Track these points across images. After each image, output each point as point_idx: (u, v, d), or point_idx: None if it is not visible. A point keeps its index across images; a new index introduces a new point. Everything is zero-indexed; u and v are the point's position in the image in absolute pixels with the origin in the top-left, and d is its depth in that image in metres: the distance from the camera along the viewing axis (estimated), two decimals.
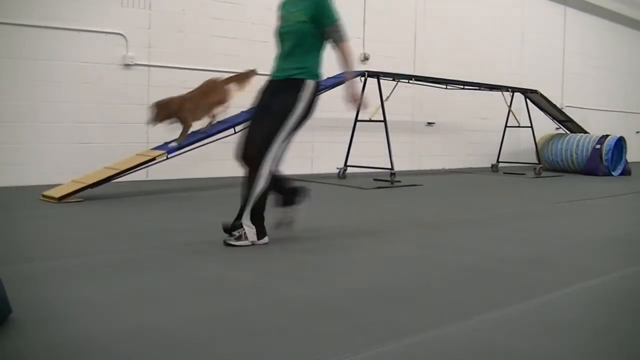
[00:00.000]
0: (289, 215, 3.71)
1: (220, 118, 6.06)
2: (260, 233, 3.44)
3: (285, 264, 3.12)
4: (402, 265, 3.18)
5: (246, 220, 3.39)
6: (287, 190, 3.70)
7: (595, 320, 2.33)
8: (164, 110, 5.44)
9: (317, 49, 3.53)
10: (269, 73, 3.67)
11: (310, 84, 3.49)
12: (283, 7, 3.66)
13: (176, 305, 2.37)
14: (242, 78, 5.90)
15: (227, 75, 6.00)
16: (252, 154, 3.41)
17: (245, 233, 3.38)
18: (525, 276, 2.96)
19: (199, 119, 5.74)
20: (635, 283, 2.96)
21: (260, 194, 3.41)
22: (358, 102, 3.69)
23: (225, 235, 3.41)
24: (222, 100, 5.77)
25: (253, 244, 3.40)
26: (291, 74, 3.48)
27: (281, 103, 3.43)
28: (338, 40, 3.52)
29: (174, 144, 5.58)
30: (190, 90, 5.72)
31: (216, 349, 1.91)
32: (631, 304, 2.60)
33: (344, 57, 3.56)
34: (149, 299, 2.44)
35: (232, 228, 3.41)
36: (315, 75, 3.54)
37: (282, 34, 3.58)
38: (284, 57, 3.56)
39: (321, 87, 3.62)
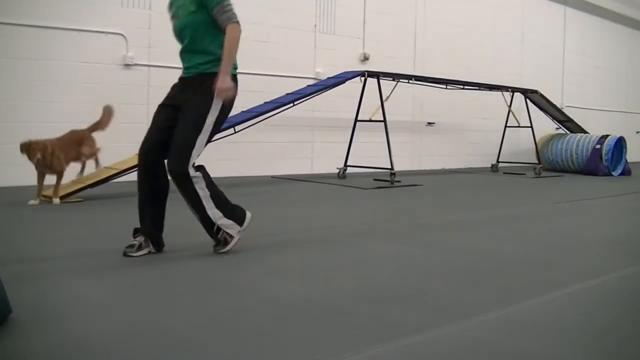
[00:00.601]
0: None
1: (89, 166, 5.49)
2: (239, 218, 3.24)
3: (284, 264, 3.12)
4: (402, 265, 3.18)
5: (220, 221, 3.17)
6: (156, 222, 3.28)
7: (595, 320, 2.33)
8: (35, 153, 4.87)
9: (222, 38, 3.14)
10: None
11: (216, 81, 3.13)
12: (171, 6, 3.42)
13: (176, 305, 2.37)
14: (103, 122, 5.44)
15: (88, 126, 5.41)
16: (175, 168, 3.08)
17: (226, 234, 3.20)
18: (525, 276, 2.96)
19: (65, 169, 5.13)
20: (635, 283, 2.96)
21: (209, 197, 3.16)
22: (224, 98, 3.12)
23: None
24: (92, 153, 5.32)
25: (240, 232, 3.24)
26: (200, 70, 3.19)
27: (195, 105, 3.13)
28: (225, 21, 3.13)
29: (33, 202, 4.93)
30: (57, 138, 5.17)
31: (216, 349, 1.91)
32: (631, 304, 2.60)
33: (227, 41, 3.10)
34: (149, 299, 2.44)
35: (214, 240, 3.23)
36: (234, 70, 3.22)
37: (178, 31, 3.32)
38: (188, 53, 3.29)
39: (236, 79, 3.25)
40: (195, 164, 3.12)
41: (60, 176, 5.03)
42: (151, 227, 3.23)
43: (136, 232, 3.23)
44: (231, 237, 3.22)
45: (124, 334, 2.02)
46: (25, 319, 2.09)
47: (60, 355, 1.84)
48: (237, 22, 3.16)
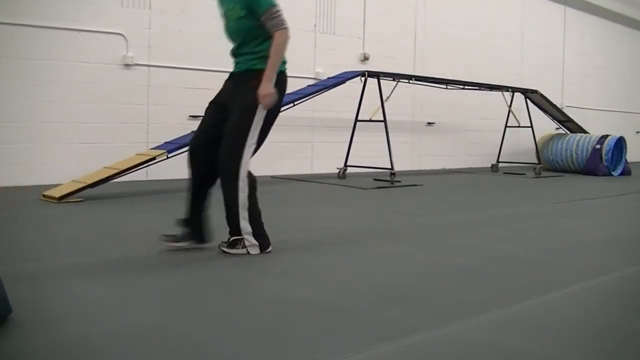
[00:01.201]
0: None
1: None
2: (263, 245, 3.24)
3: (284, 264, 3.12)
4: (402, 265, 3.18)
5: (247, 236, 3.19)
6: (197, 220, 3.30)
7: (595, 320, 2.33)
8: None
9: (270, 41, 3.20)
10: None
11: (280, 75, 3.27)
12: (221, 4, 3.37)
13: (176, 305, 2.37)
14: None
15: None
16: (224, 166, 3.14)
17: (243, 246, 3.21)
18: (525, 276, 2.96)
19: None
20: (635, 283, 2.96)
21: (246, 208, 3.18)
22: (267, 105, 3.17)
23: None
24: None
25: (252, 254, 3.21)
26: (249, 65, 3.24)
27: (243, 102, 3.17)
28: (272, 27, 3.16)
29: None
30: None
31: (216, 349, 1.91)
32: (631, 304, 2.60)
33: (274, 47, 3.16)
34: (149, 299, 2.44)
35: (228, 240, 3.24)
36: (282, 66, 3.29)
37: (230, 33, 3.35)
38: (238, 53, 3.32)
39: (285, 79, 3.34)
40: (246, 167, 3.16)
41: None
42: (195, 222, 3.30)
43: (185, 223, 3.29)
44: (243, 248, 3.21)
45: (123, 334, 2.02)
46: (25, 319, 2.09)
47: (60, 355, 1.84)
48: (286, 28, 3.21)
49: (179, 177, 6.87)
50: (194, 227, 3.29)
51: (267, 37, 3.19)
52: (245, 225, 3.17)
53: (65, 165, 6.10)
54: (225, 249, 3.22)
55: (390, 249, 3.57)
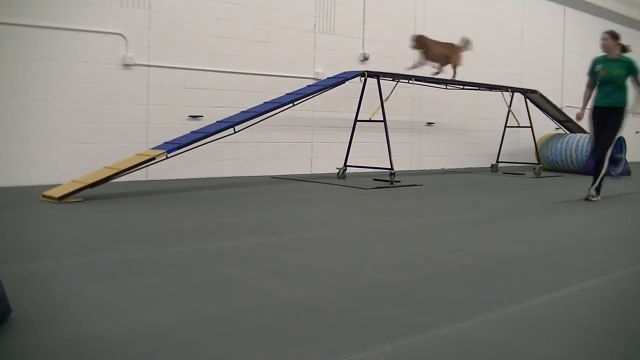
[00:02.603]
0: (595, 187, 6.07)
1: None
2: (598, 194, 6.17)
3: (284, 264, 3.12)
4: (402, 265, 3.18)
5: (593, 191, 6.14)
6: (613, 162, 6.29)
7: (595, 320, 2.33)
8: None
9: (626, 87, 6.04)
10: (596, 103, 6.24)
11: (626, 109, 6.05)
12: (599, 63, 6.24)
13: (176, 305, 2.37)
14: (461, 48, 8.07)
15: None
16: (601, 153, 6.14)
17: (596, 196, 6.12)
18: (525, 276, 2.96)
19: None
20: (635, 283, 2.96)
21: (603, 175, 6.13)
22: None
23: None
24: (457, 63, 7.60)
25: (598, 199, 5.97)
26: (616, 102, 6.06)
27: (614, 122, 6.06)
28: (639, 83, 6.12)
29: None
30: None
31: (216, 349, 1.91)
32: (631, 304, 2.60)
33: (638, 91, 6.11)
34: (148, 299, 2.44)
35: (593, 191, 6.14)
36: (627, 103, 6.04)
37: (607, 80, 6.09)
38: (610, 93, 6.08)
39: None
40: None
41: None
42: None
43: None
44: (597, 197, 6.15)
45: (124, 334, 2.02)
46: (25, 319, 2.09)
47: (60, 355, 1.84)
48: None
49: (179, 177, 6.90)
50: None
51: (626, 86, 6.13)
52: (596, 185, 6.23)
53: (65, 165, 6.10)
54: (592, 197, 6.13)
55: (390, 249, 3.57)
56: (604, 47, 6.27)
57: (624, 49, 6.25)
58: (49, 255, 3.18)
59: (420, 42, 7.95)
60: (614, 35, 6.24)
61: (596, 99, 6.24)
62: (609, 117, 6.01)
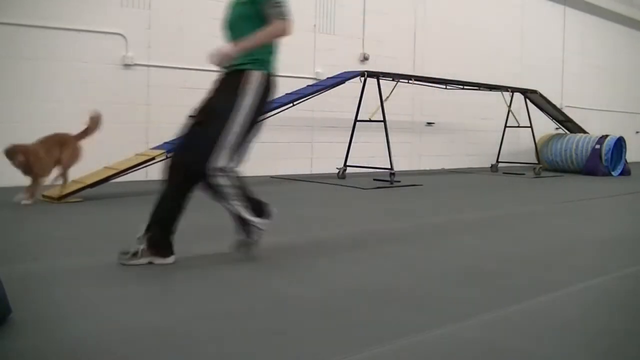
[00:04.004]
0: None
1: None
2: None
3: (284, 264, 3.12)
4: (402, 265, 3.18)
5: (249, 218, 3.11)
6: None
7: (595, 320, 2.33)
8: (17, 156, 4.74)
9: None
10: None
11: (255, 75, 2.99)
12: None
13: (176, 305, 2.37)
14: (90, 129, 5.22)
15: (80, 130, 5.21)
16: (193, 165, 3.00)
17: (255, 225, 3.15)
18: (525, 276, 2.96)
19: (48, 174, 4.99)
20: (635, 283, 2.96)
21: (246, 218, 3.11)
22: (213, 61, 3.02)
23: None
24: (72, 160, 5.06)
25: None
26: (235, 64, 3.00)
27: (224, 101, 2.99)
28: (272, 15, 2.95)
29: (25, 202, 4.81)
30: (40, 141, 4.96)
31: (216, 349, 1.91)
32: (631, 304, 2.60)
33: (265, 30, 2.95)
34: (148, 299, 2.44)
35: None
36: (263, 65, 3.03)
37: (227, 23, 3.15)
38: (228, 32, 3.13)
39: (272, 80, 3.07)
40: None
41: (38, 179, 4.83)
42: None
43: None
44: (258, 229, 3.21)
45: (123, 333, 2.02)
46: (25, 319, 2.09)
47: (60, 355, 1.84)
48: (287, 19, 2.98)
49: None
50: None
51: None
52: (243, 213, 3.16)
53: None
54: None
55: (390, 249, 3.57)
56: None
57: None
58: (48, 255, 3.18)
59: (11, 154, 4.82)
60: None
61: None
62: (221, 90, 3.13)
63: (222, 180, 3.00)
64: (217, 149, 2.94)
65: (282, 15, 2.97)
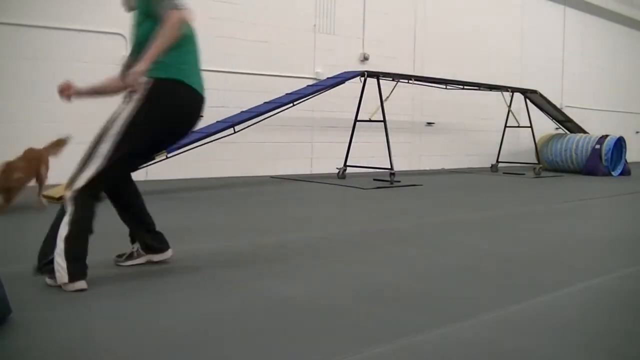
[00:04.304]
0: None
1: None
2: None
3: (284, 264, 3.12)
4: (402, 265, 3.18)
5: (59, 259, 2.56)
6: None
7: (595, 320, 2.33)
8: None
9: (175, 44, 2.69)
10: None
11: (153, 83, 2.71)
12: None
13: (176, 305, 2.37)
14: (56, 146, 5.11)
15: (50, 143, 5.11)
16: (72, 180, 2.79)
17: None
18: (525, 276, 2.96)
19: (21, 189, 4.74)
20: (635, 283, 2.96)
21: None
22: (128, 84, 2.75)
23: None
24: (44, 170, 4.93)
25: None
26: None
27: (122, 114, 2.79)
28: (163, 8, 2.62)
29: None
30: (17, 157, 4.79)
31: (216, 349, 1.91)
32: (631, 304, 2.60)
33: (162, 27, 2.60)
34: (148, 299, 2.44)
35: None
36: (168, 72, 2.73)
37: (137, 47, 2.83)
38: (136, 58, 2.73)
39: (187, 93, 2.81)
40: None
41: (9, 197, 4.60)
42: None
43: None
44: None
45: (123, 334, 2.02)
46: (25, 319, 2.09)
47: (60, 355, 1.84)
48: (180, 9, 2.66)
49: (179, 177, 6.90)
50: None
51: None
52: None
53: (65, 165, 6.08)
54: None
55: (390, 249, 3.57)
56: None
57: None
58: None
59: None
60: None
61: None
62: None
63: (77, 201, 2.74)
64: (91, 161, 2.77)
65: (175, 5, 2.65)
